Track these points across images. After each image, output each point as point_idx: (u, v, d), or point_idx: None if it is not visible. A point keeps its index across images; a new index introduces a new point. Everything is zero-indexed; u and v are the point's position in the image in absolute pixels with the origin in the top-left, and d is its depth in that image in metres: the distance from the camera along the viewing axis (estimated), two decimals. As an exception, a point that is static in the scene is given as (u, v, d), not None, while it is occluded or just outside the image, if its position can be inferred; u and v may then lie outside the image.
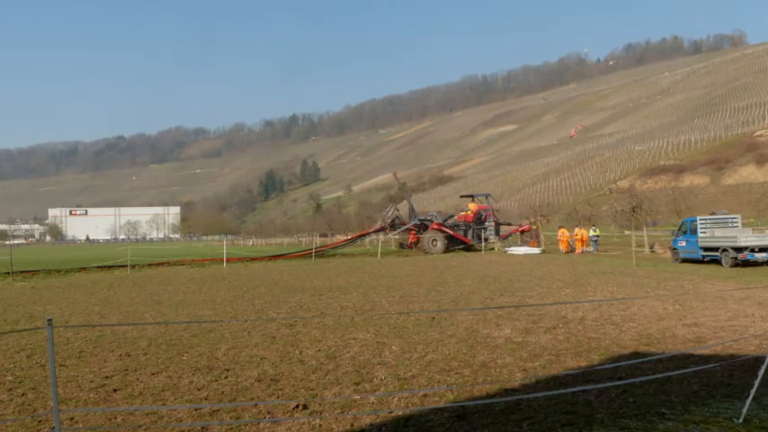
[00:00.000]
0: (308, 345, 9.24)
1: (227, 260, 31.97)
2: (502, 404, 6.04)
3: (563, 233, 36.98)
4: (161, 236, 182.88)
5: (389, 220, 42.05)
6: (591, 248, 35.93)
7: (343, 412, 5.98)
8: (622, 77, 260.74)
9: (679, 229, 26.90)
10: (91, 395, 6.77)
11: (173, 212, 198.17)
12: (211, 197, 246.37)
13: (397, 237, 44.76)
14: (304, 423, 5.64)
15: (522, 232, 41.54)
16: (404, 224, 41.83)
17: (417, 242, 40.50)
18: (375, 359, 8.19)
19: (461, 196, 46.75)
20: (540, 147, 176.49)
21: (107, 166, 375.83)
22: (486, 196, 44.63)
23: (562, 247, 36.08)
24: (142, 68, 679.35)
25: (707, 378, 6.84)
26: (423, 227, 40.45)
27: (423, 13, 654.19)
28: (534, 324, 10.54)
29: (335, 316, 12.19)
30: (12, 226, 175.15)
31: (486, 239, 39.13)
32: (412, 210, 44.15)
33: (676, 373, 6.86)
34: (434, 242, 38.05)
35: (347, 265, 28.88)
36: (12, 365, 8.30)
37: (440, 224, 39.92)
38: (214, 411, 6.12)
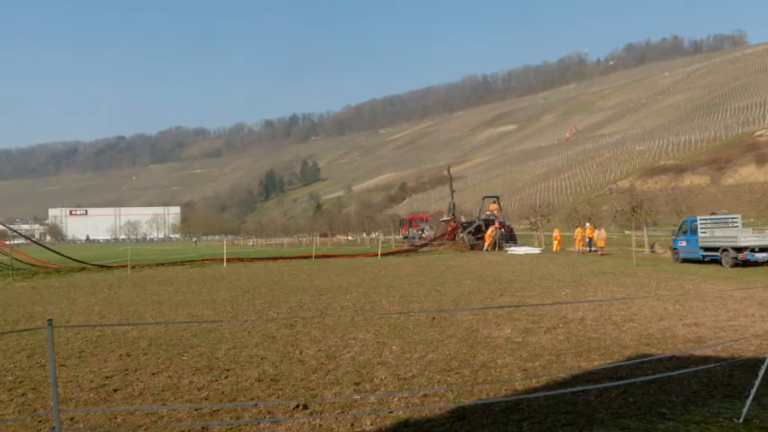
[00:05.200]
0: (308, 345, 9.23)
1: (228, 260, 31.94)
2: (502, 404, 6.04)
3: (579, 232, 37.69)
4: (161, 236, 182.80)
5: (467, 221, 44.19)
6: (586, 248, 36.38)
7: (343, 412, 5.98)
8: (622, 77, 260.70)
9: (679, 229, 26.90)
10: (91, 395, 6.77)
11: (173, 212, 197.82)
12: (211, 197, 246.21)
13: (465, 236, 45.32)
14: (304, 423, 5.64)
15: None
16: (471, 222, 43.86)
17: (452, 239, 42.33)
18: (375, 359, 8.19)
19: (485, 197, 48.30)
20: (540, 147, 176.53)
21: (107, 166, 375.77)
22: (497, 198, 47.66)
23: (578, 246, 36.81)
24: (142, 68, 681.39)
25: (707, 378, 6.84)
26: (478, 227, 42.53)
27: (423, 13, 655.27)
28: (534, 324, 10.54)
29: (335, 316, 12.19)
30: (12, 226, 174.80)
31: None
32: (453, 207, 45.46)
33: (676, 373, 6.85)
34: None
35: (347, 265, 28.87)
36: (12, 365, 8.30)
37: (500, 223, 42.22)
38: (214, 411, 6.12)
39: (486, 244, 39.51)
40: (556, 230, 40.68)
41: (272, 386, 6.98)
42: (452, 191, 48.41)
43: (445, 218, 48.69)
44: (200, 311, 13.49)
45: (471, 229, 41.90)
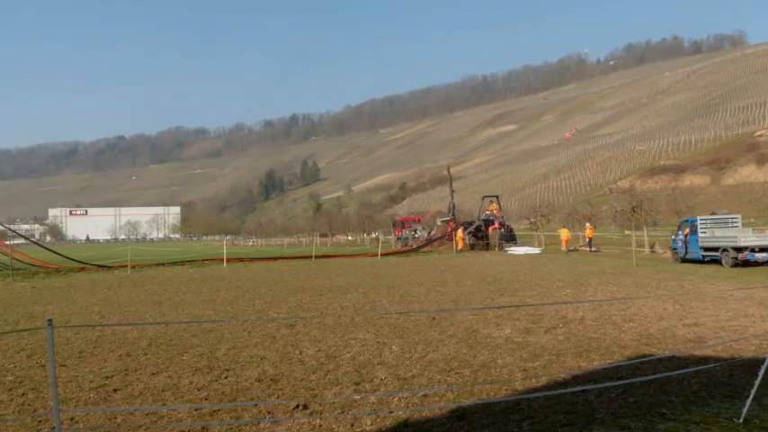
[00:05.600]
0: (309, 345, 9.23)
1: (228, 260, 31.92)
2: (502, 404, 6.04)
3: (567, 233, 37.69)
4: (161, 236, 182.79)
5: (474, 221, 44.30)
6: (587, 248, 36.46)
7: (343, 412, 5.98)
8: (622, 77, 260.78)
9: (679, 229, 26.90)
10: (91, 395, 6.77)
11: (173, 212, 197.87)
12: (211, 197, 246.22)
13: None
14: (304, 423, 5.64)
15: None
16: (471, 223, 44.15)
17: (448, 239, 42.52)
18: (375, 359, 8.19)
19: (484, 197, 48.67)
20: (540, 147, 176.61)
21: (107, 166, 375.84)
22: (497, 198, 48.46)
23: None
24: (142, 68, 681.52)
25: (707, 378, 6.84)
26: (478, 227, 42.97)
27: (423, 12, 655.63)
28: (534, 324, 10.53)
29: (335, 316, 12.19)
30: (12, 226, 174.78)
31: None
32: (453, 207, 46.46)
33: (676, 373, 6.85)
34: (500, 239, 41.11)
35: (347, 265, 28.87)
36: (12, 365, 8.30)
37: (500, 223, 42.81)
38: (214, 411, 6.12)
39: (461, 245, 39.75)
40: (565, 230, 40.42)
41: (272, 386, 6.98)
42: (452, 191, 48.51)
43: (445, 218, 48.97)
44: (200, 311, 13.49)
45: (471, 229, 41.98)
